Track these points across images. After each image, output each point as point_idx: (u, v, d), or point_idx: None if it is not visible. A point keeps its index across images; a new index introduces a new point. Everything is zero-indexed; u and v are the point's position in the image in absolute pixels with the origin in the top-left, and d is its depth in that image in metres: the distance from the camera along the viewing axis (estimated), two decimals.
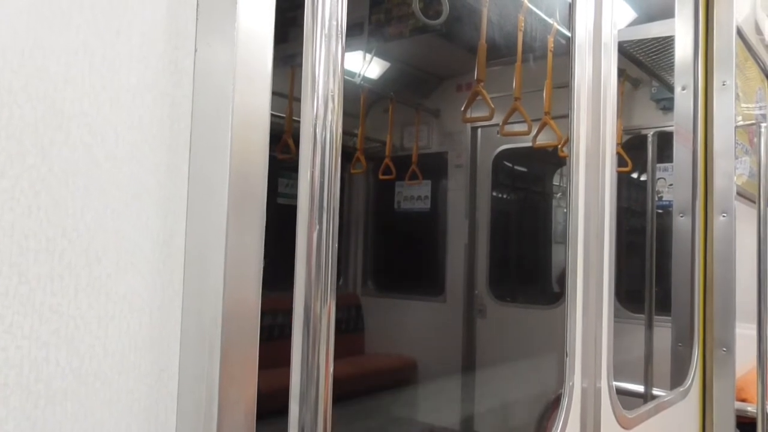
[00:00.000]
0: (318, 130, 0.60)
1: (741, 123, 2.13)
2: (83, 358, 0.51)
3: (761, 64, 2.44)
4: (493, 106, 2.49)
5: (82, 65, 0.51)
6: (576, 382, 1.31)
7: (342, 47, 0.61)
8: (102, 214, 0.52)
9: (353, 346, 4.35)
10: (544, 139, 2.91)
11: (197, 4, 0.60)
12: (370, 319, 4.49)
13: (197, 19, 0.60)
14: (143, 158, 0.55)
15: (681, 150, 2.06)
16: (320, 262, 0.60)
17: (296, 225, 0.60)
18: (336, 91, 0.61)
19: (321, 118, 0.60)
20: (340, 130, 0.62)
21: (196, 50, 0.60)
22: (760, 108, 2.45)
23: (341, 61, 0.62)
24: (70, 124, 0.50)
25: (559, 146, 2.90)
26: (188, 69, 0.59)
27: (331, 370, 0.61)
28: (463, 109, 2.58)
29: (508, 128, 2.79)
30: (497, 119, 2.72)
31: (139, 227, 0.55)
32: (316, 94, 0.60)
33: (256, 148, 0.60)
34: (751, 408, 2.00)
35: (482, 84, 2.43)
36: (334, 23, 0.61)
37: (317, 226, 0.60)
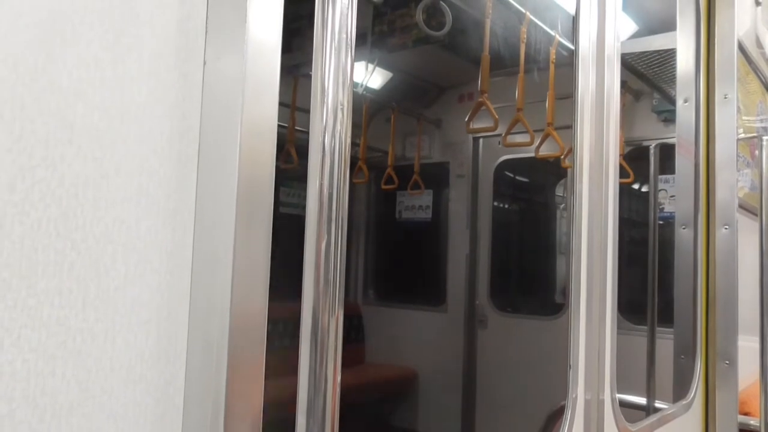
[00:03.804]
0: (327, 141, 0.60)
1: (742, 136, 2.13)
2: (90, 371, 0.51)
3: (762, 77, 2.45)
4: (497, 116, 2.49)
5: (93, 79, 0.51)
6: (579, 394, 1.30)
7: (351, 59, 0.62)
8: (111, 226, 0.52)
9: (353, 356, 4.33)
10: (546, 150, 2.91)
11: (206, 18, 0.60)
12: (370, 328, 4.48)
13: (206, 32, 0.60)
14: (152, 171, 0.55)
15: (683, 162, 2.06)
16: (328, 273, 0.60)
17: (305, 235, 0.60)
18: (345, 103, 0.61)
19: (330, 129, 0.60)
20: (348, 141, 0.62)
21: (205, 63, 0.60)
22: (761, 121, 2.46)
23: (350, 73, 0.62)
24: (80, 138, 0.50)
25: (562, 157, 2.90)
26: (197, 82, 0.59)
27: (339, 380, 0.61)
28: (467, 119, 2.58)
29: (511, 139, 2.79)
30: (500, 130, 2.73)
31: (147, 239, 0.55)
32: (325, 105, 0.60)
33: (263, 159, 0.60)
34: (753, 421, 1.98)
35: (486, 95, 2.44)
36: (344, 36, 0.61)
37: (326, 237, 0.60)
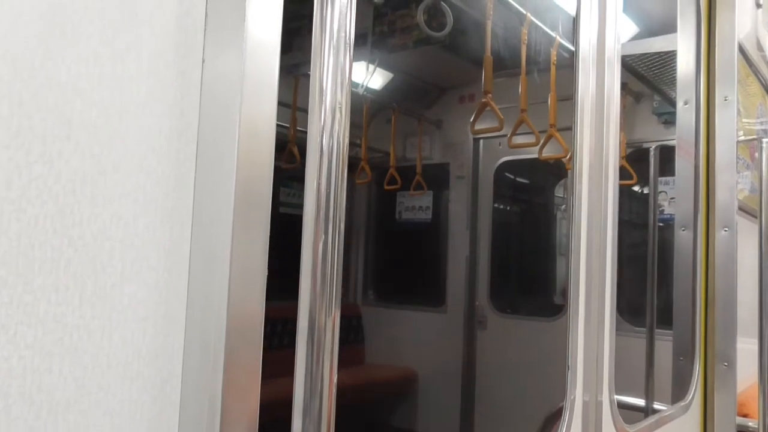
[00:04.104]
0: (325, 141, 0.60)
1: (742, 138, 2.13)
2: (86, 367, 0.51)
3: (762, 79, 2.45)
4: (502, 117, 2.49)
5: (92, 76, 0.51)
6: (577, 395, 1.30)
7: (350, 58, 0.62)
8: (108, 223, 0.52)
9: (353, 357, 4.33)
10: (548, 151, 2.91)
11: (206, 15, 0.60)
12: (370, 329, 4.47)
13: (205, 30, 0.60)
14: (150, 168, 0.55)
15: (683, 164, 2.06)
16: (326, 273, 0.60)
17: (302, 235, 0.60)
18: (343, 102, 0.61)
19: (328, 129, 0.60)
20: (347, 141, 0.62)
21: (203, 61, 0.60)
22: (761, 123, 2.46)
23: (349, 73, 0.62)
24: (78, 134, 0.50)
25: (565, 159, 2.90)
26: (196, 80, 0.59)
27: (335, 381, 0.61)
28: (472, 120, 2.58)
29: (514, 140, 2.79)
30: (504, 131, 2.73)
31: (144, 237, 0.55)
32: (323, 105, 0.60)
33: (261, 158, 0.60)
34: (752, 423, 1.98)
35: (490, 95, 2.44)
36: (342, 35, 0.61)
37: (323, 237, 0.60)
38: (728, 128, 2.02)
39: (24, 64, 0.47)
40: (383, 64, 3.80)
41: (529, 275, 4.22)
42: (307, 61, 0.61)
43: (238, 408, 0.58)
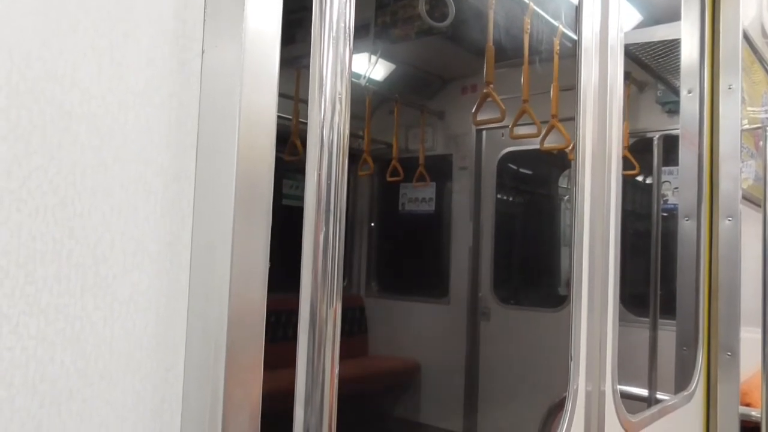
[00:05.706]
0: (325, 132, 0.60)
1: (747, 126, 2.12)
2: (89, 358, 0.51)
3: (767, 67, 2.43)
4: (504, 107, 2.48)
5: (90, 67, 0.51)
6: (580, 385, 1.30)
7: (350, 49, 0.61)
8: (109, 215, 0.52)
9: (356, 348, 4.34)
10: (551, 141, 2.90)
11: (204, 6, 0.60)
12: (373, 320, 4.49)
13: (204, 20, 0.60)
14: (150, 159, 0.55)
15: (687, 153, 2.05)
16: (326, 265, 0.60)
17: (303, 227, 0.60)
18: (343, 93, 0.61)
19: (328, 120, 0.60)
20: (347, 132, 0.62)
21: (203, 51, 0.60)
22: (766, 111, 2.44)
23: (349, 63, 0.62)
24: (78, 125, 0.50)
25: (568, 149, 2.89)
26: (195, 70, 0.59)
27: (337, 372, 0.61)
28: (473, 111, 2.57)
29: (516, 131, 2.78)
30: (506, 121, 2.72)
31: (145, 228, 0.55)
32: (323, 95, 0.60)
33: (262, 149, 0.60)
34: (755, 412, 1.99)
35: (492, 86, 2.43)
36: (342, 25, 0.61)
37: (324, 228, 0.60)
38: (732, 117, 2.01)
39: (21, 55, 0.47)
40: (385, 55, 3.78)
41: (532, 266, 4.22)
42: (308, 54, 0.60)
43: (241, 398, 0.58)
